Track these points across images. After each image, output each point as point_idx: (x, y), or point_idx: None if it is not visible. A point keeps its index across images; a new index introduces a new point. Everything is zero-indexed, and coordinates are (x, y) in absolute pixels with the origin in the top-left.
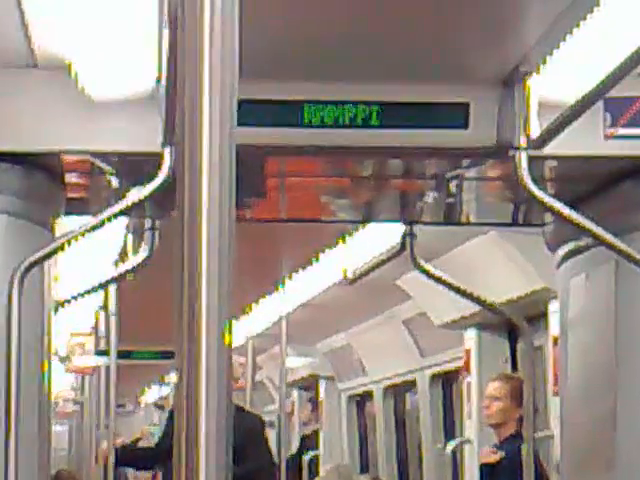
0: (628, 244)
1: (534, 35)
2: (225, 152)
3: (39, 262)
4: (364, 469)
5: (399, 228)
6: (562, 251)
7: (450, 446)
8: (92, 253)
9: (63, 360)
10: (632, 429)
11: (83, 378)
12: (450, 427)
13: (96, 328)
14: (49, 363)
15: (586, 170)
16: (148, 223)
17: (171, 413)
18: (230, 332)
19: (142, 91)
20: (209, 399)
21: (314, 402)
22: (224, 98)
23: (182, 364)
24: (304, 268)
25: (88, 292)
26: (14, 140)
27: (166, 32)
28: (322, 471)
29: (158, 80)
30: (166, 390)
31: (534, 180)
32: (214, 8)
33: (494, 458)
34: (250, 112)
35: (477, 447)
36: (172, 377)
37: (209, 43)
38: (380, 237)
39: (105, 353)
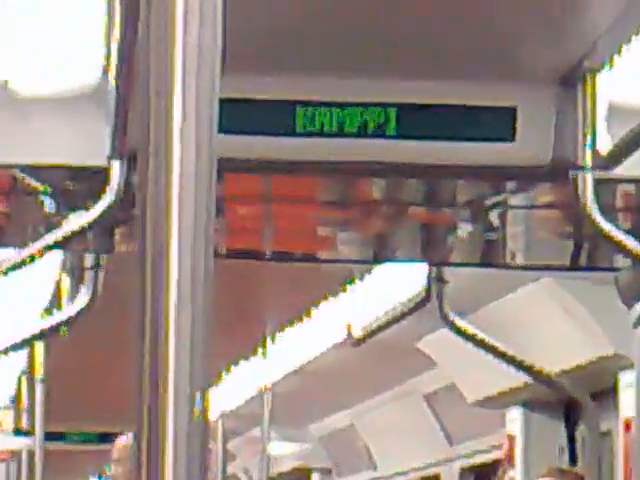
0: None
1: (602, 22)
2: (204, 167)
3: None
4: None
5: (422, 271)
6: None
7: None
8: (14, 299)
9: None
10: None
11: None
12: None
13: (17, 400)
14: None
15: None
16: (90, 260)
17: None
18: (207, 406)
19: (83, 88)
20: None
21: None
22: (202, 96)
23: (141, 453)
24: (294, 324)
25: (7, 351)
26: None
27: (118, 11)
28: None
29: (104, 72)
30: None
31: (602, 210)
32: None
33: None
34: (230, 115)
35: None
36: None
37: (183, 25)
38: (397, 283)
39: (28, 433)
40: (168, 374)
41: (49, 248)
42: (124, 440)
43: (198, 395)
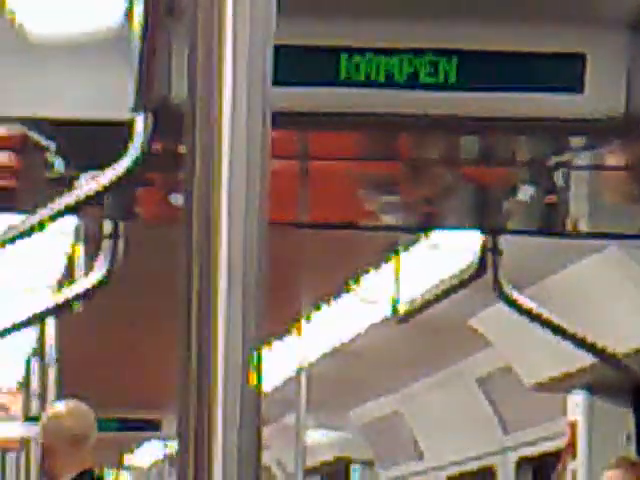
0: None
1: None
2: (257, 120)
3: None
4: None
5: (476, 240)
6: None
7: None
8: (22, 271)
9: None
10: None
11: (4, 456)
12: None
13: (26, 384)
14: None
15: None
16: (108, 226)
17: None
18: (260, 375)
19: (103, 33)
20: None
21: None
22: (254, 39)
23: (188, 441)
24: (333, 299)
25: (15, 330)
26: None
27: None
28: None
29: (127, 16)
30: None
31: None
32: None
33: None
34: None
35: None
36: (137, 460)
37: None
38: (447, 253)
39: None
40: (218, 352)
41: (62, 213)
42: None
43: (252, 363)
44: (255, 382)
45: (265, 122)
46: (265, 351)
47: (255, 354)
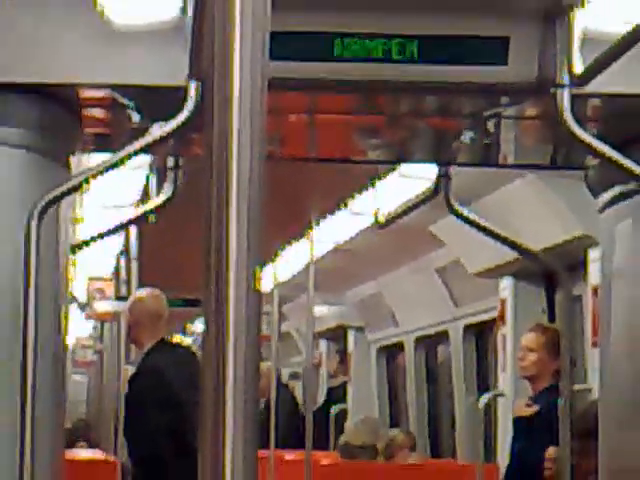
0: None
1: None
2: (257, 86)
3: (55, 201)
4: (393, 423)
5: (433, 170)
6: (606, 196)
7: (483, 399)
8: (112, 193)
9: (82, 306)
10: None
11: (102, 325)
12: (483, 380)
13: (117, 273)
14: (66, 308)
15: (633, 109)
16: (171, 161)
17: None
18: (260, 277)
19: (167, 20)
20: (238, 347)
21: (342, 353)
22: (256, 29)
23: (210, 311)
24: (334, 212)
25: (107, 234)
26: (29, 70)
27: None
28: (350, 425)
29: (184, 9)
30: (189, 341)
31: (576, 119)
32: None
33: (528, 411)
34: (279, 45)
35: (511, 400)
36: (196, 327)
37: None
38: (414, 179)
39: (126, 299)
40: (230, 250)
41: (138, 152)
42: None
43: (256, 266)
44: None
45: (263, 89)
46: (285, 251)
47: (259, 265)
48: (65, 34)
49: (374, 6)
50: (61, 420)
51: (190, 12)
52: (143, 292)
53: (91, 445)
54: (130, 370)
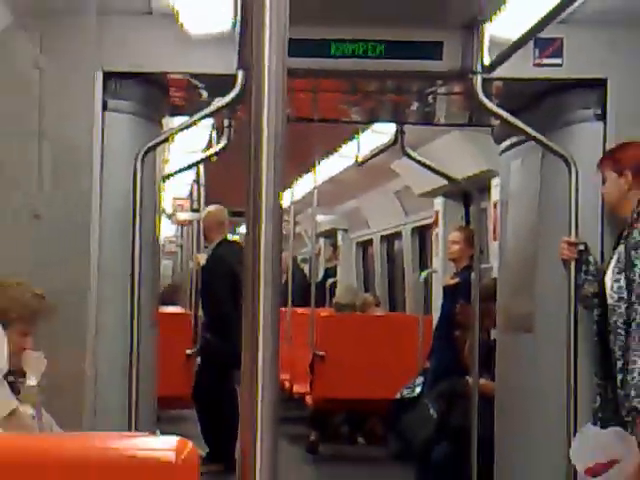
0: (549, 140)
1: None
2: (280, 74)
3: (153, 149)
4: (366, 289)
5: (393, 127)
6: (504, 144)
7: (423, 274)
8: (188, 143)
9: (169, 216)
10: (550, 268)
11: (182, 227)
12: (423, 262)
13: (191, 194)
14: (159, 217)
15: (521, 88)
16: (226, 122)
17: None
18: (282, 198)
19: (223, 31)
20: (267, 245)
21: (334, 246)
22: (279, 37)
23: (250, 220)
24: (329, 156)
25: (184, 170)
26: (137, 65)
27: None
28: (338, 290)
29: (234, 23)
30: (237, 237)
31: (485, 95)
32: None
33: (452, 282)
34: (295, 47)
35: (441, 275)
36: (241, 229)
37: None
38: (380, 134)
39: (197, 211)
40: (263, 179)
41: (205, 116)
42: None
43: (279, 190)
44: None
45: (284, 76)
46: (298, 180)
47: (280, 190)
48: (158, 39)
49: (356, 21)
50: (156, 287)
51: (238, 24)
52: (212, 207)
53: (175, 304)
54: (201, 256)
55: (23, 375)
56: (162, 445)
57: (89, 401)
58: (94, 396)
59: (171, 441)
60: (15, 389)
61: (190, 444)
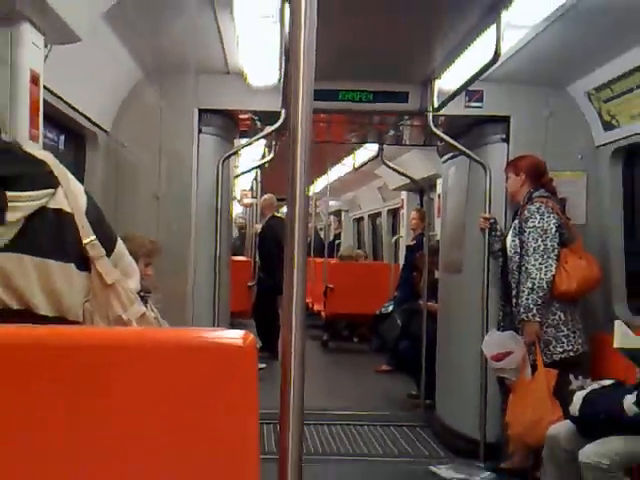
0: (474, 154)
1: (438, 59)
2: (308, 112)
3: (228, 158)
4: (359, 247)
5: (377, 146)
6: (445, 157)
7: (394, 238)
8: (250, 154)
9: (239, 200)
10: (473, 233)
11: (246, 208)
12: (394, 231)
13: (252, 187)
14: (232, 202)
15: (457, 122)
16: (274, 142)
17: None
18: (308, 189)
19: (273, 83)
20: (299, 219)
21: (339, 221)
22: (308, 87)
23: (291, 204)
24: (336, 164)
25: (247, 171)
26: (220, 104)
27: (283, 58)
28: (342, 248)
29: (279, 77)
30: (281, 214)
31: (435, 125)
32: (305, 42)
33: (411, 244)
34: (317, 94)
35: (405, 238)
36: (284, 209)
37: (302, 63)
38: (369, 150)
39: (256, 197)
40: (297, 175)
41: (260, 138)
42: None
43: (305, 185)
44: (307, 192)
45: (309, 115)
46: (317, 179)
47: (307, 182)
48: (232, 88)
49: (354, 77)
50: (230, 244)
51: (282, 79)
52: (267, 195)
53: (241, 254)
54: (258, 226)
55: (148, 292)
56: (234, 335)
57: (189, 311)
58: (192, 308)
59: (240, 333)
60: (143, 301)
61: (252, 336)
